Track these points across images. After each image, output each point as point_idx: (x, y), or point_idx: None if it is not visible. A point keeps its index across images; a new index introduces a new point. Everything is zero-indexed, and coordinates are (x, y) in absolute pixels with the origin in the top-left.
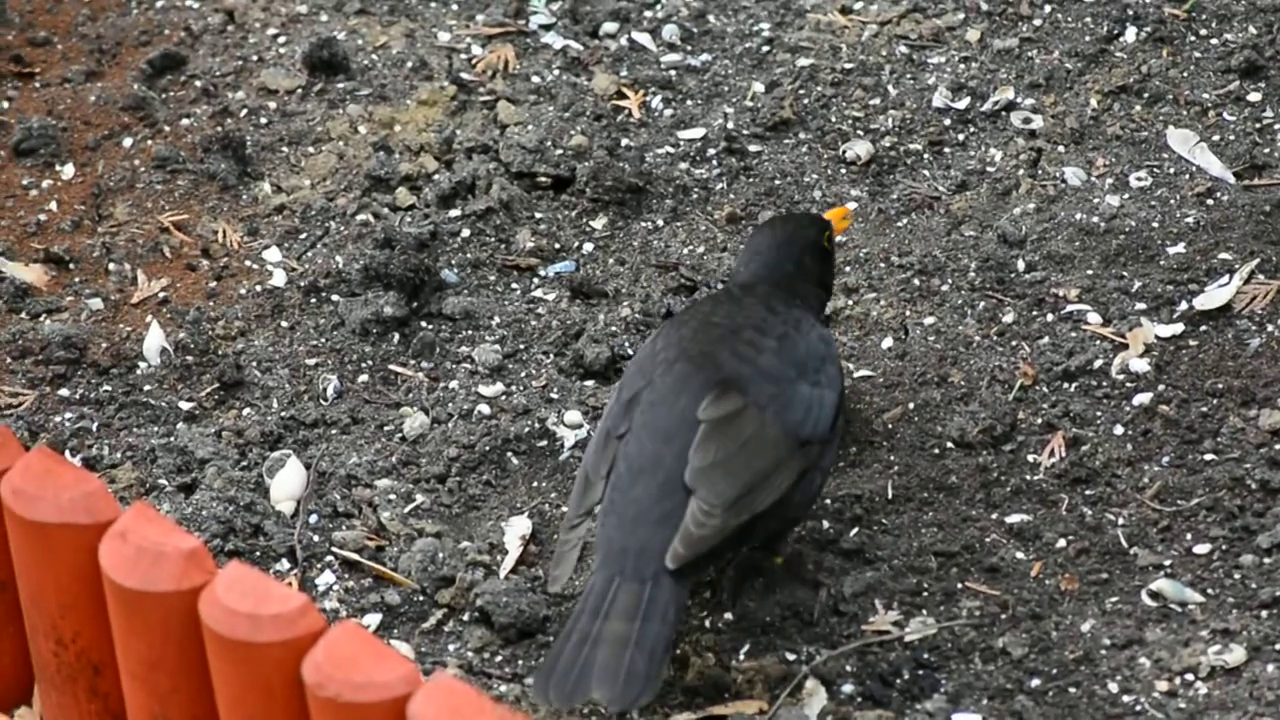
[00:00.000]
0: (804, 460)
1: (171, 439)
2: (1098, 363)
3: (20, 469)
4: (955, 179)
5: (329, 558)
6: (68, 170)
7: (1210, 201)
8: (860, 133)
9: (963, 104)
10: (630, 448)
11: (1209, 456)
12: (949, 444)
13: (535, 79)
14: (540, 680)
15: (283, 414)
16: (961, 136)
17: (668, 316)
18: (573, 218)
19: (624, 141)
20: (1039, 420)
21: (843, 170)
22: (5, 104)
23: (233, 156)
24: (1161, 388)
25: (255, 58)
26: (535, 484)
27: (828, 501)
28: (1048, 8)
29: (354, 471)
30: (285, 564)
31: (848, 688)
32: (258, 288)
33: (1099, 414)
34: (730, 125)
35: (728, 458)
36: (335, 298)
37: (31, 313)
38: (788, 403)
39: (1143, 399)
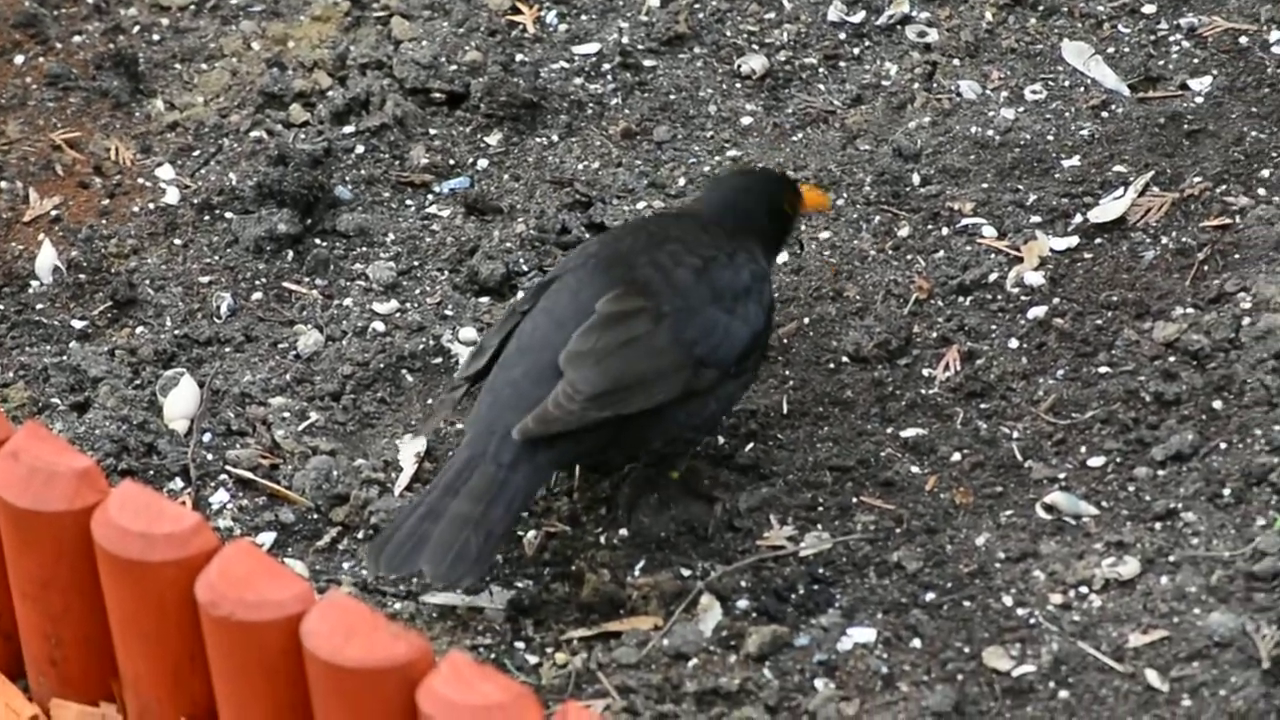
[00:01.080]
0: (695, 382)
1: (64, 358)
2: (992, 276)
3: None
4: (850, 93)
5: (223, 476)
6: None
7: (1105, 114)
8: (755, 47)
9: (858, 18)
10: (525, 326)
11: (1103, 370)
12: (844, 359)
13: None
14: (374, 548)
15: (176, 332)
16: (856, 50)
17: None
18: (467, 134)
19: (519, 57)
20: (934, 334)
21: (738, 85)
22: None
23: (125, 74)
24: (1056, 301)
25: None
26: (430, 401)
27: (727, 420)
28: None
29: (248, 390)
30: (179, 483)
31: (742, 603)
32: (151, 205)
33: (994, 328)
34: (625, 40)
35: (606, 350)
36: (229, 215)
37: None
38: (689, 319)
39: (1037, 312)
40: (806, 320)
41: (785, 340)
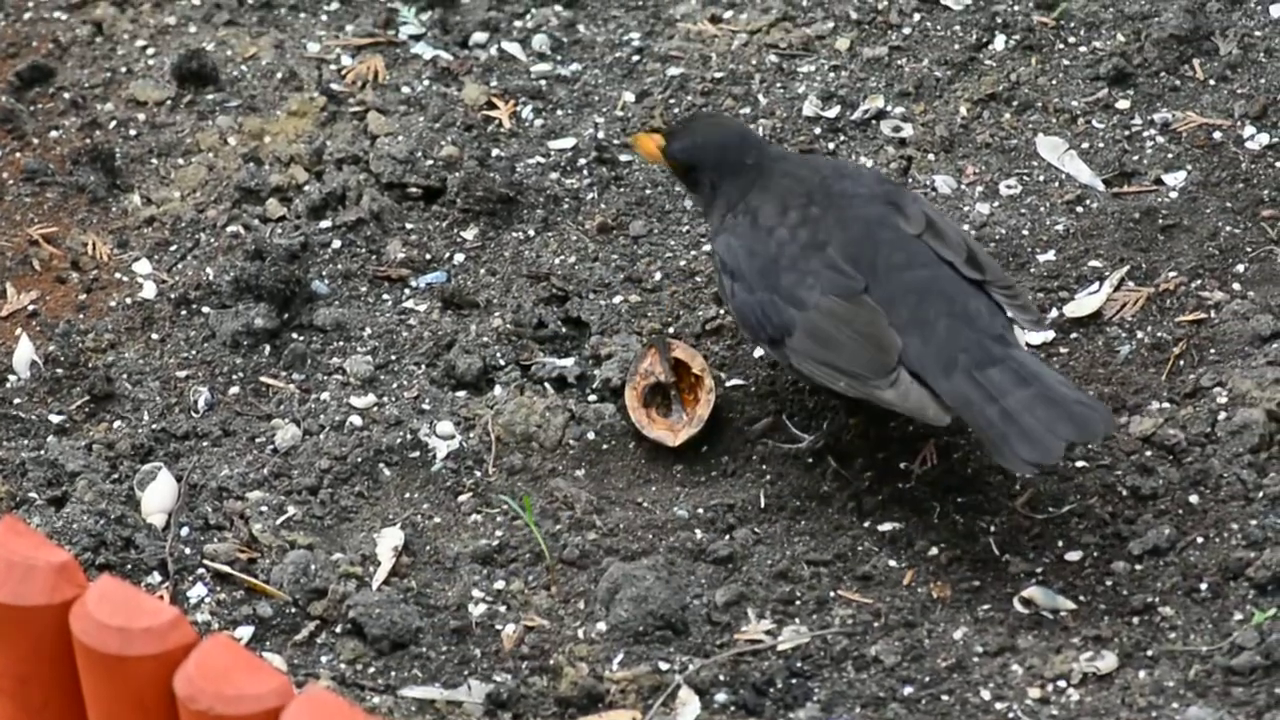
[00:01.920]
0: None
1: (42, 452)
2: None
3: None
4: None
5: (201, 570)
6: None
7: (1080, 209)
8: None
9: (833, 113)
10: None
11: (1080, 464)
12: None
13: (405, 89)
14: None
15: (154, 426)
16: (832, 145)
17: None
18: (443, 228)
19: (495, 152)
20: (911, 428)
21: None
22: None
23: (102, 168)
24: None
25: (124, 69)
26: (407, 495)
27: (700, 510)
28: (917, 16)
29: (225, 484)
30: (157, 577)
31: (721, 696)
32: (128, 300)
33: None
34: (601, 135)
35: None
36: (206, 309)
37: None
38: None
39: None
40: (784, 414)
41: (763, 434)
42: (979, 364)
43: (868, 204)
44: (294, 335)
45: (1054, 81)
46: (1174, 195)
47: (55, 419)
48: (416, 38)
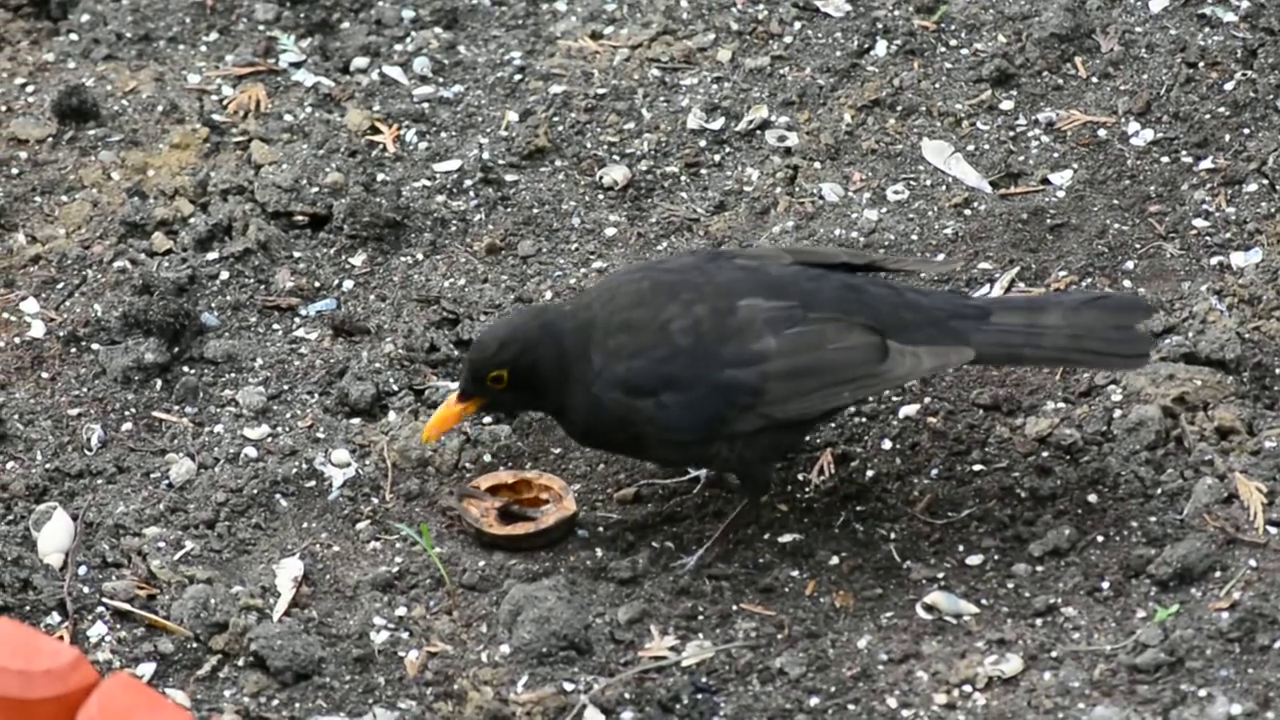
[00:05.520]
0: None
1: None
2: None
3: None
4: (713, 200)
5: (100, 609)
6: None
7: (968, 212)
8: (616, 157)
9: (717, 124)
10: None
11: (977, 467)
12: None
13: (288, 117)
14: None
15: (47, 465)
16: (717, 157)
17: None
18: (331, 255)
19: (380, 176)
20: (808, 438)
21: (600, 196)
22: None
23: None
24: (927, 400)
25: (4, 108)
26: (305, 525)
27: (600, 529)
28: (797, 24)
29: (122, 521)
30: (56, 617)
31: (627, 715)
32: (16, 339)
33: (867, 429)
34: (486, 156)
35: None
36: (95, 346)
37: None
38: None
39: (909, 412)
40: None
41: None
42: (977, 316)
43: (712, 262)
44: (185, 369)
45: (937, 85)
46: (1061, 194)
47: None
48: (297, 65)
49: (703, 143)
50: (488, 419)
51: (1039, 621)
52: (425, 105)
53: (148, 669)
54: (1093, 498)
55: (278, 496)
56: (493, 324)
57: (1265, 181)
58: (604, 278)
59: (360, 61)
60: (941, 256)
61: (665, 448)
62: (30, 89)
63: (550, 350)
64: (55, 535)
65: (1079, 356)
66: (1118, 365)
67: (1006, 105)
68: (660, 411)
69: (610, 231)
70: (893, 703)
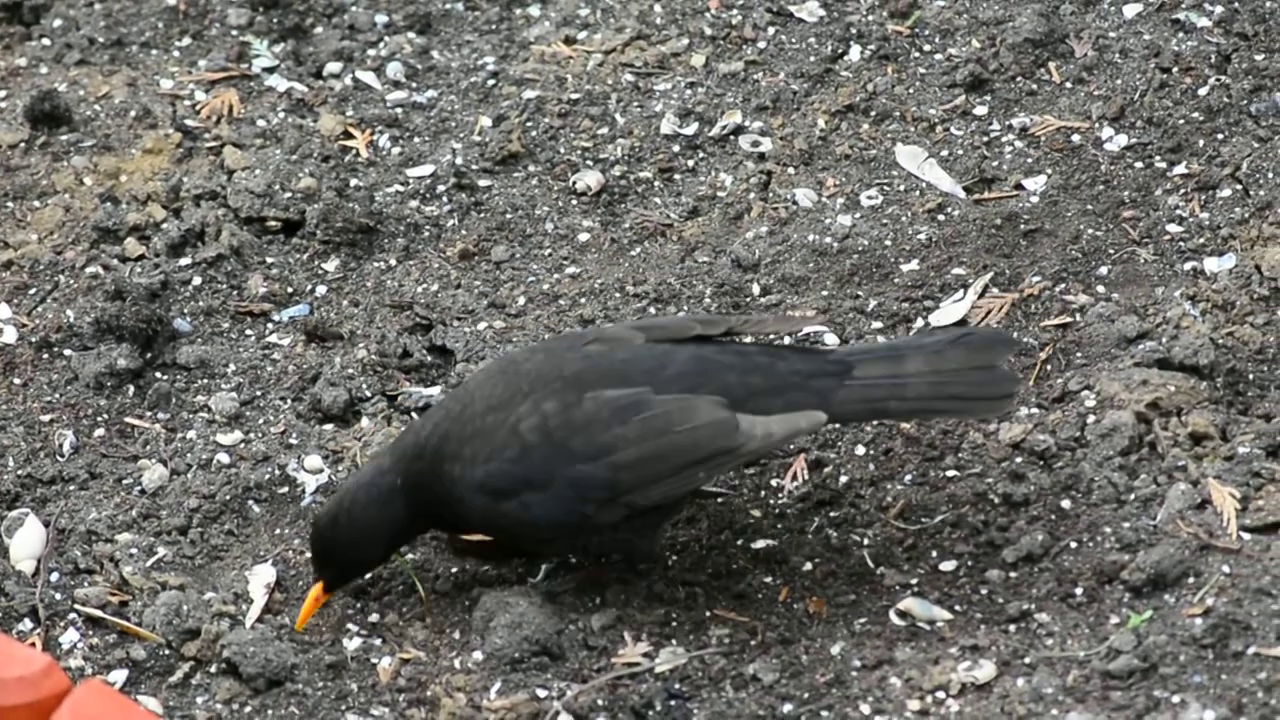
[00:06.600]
0: None
1: None
2: None
3: None
4: (687, 205)
5: (72, 615)
6: None
7: (941, 217)
8: (590, 163)
9: (691, 129)
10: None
11: (951, 473)
12: None
13: (261, 122)
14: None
15: (19, 472)
16: (691, 162)
17: None
18: (304, 261)
19: (353, 182)
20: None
21: (574, 201)
22: None
23: None
24: None
25: None
26: (278, 531)
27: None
28: (771, 30)
29: (94, 527)
30: (28, 624)
31: None
32: None
33: (840, 435)
34: (459, 161)
35: None
36: (68, 352)
37: None
38: None
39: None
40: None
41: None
42: (838, 373)
43: (567, 351)
44: (158, 374)
45: (911, 90)
46: (1035, 200)
47: None
48: (270, 70)
49: (676, 148)
50: None
51: (1012, 628)
52: (398, 110)
53: (120, 676)
54: (1066, 503)
55: (250, 503)
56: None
57: (1239, 187)
58: (463, 384)
59: (333, 66)
60: (800, 312)
61: (541, 543)
62: (2, 94)
63: (389, 508)
64: (27, 541)
65: (943, 405)
66: (982, 410)
67: (980, 110)
68: (524, 511)
69: (584, 237)
70: (866, 709)
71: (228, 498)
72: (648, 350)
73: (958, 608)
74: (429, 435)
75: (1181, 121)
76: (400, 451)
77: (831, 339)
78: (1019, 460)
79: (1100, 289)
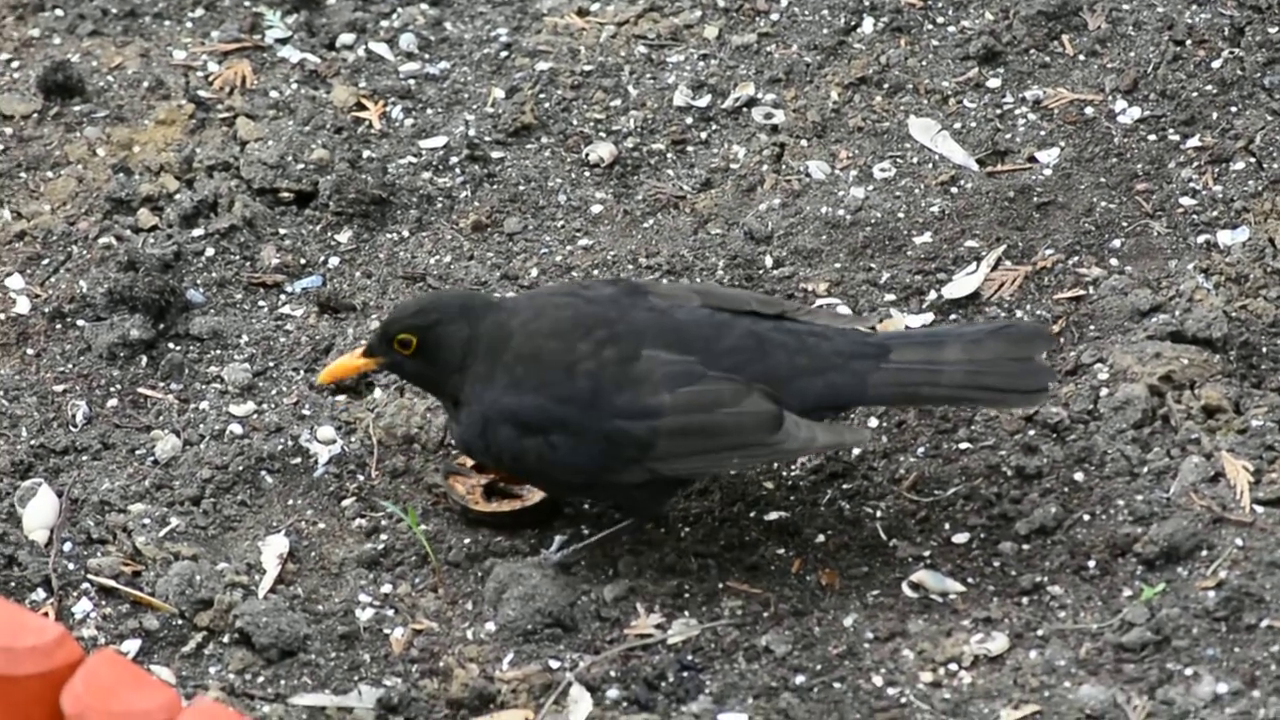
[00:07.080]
0: None
1: None
2: None
3: None
4: (699, 177)
5: (85, 585)
6: None
7: (954, 189)
8: (603, 134)
9: (704, 102)
10: None
11: (964, 445)
12: None
13: (274, 94)
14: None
15: (32, 442)
16: (704, 134)
17: None
18: (317, 232)
19: (366, 153)
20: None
21: (586, 173)
22: None
23: None
24: None
25: None
26: (291, 502)
27: (585, 506)
28: (784, 1)
29: (107, 497)
30: (41, 594)
31: (613, 692)
32: (1, 316)
33: (854, 408)
34: (472, 132)
35: None
36: (81, 323)
37: None
38: None
39: None
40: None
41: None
42: (875, 355)
43: (637, 304)
44: (170, 345)
45: (924, 62)
46: (1048, 173)
47: None
48: (283, 41)
49: (689, 120)
50: None
51: (1025, 600)
52: (411, 82)
53: (133, 645)
54: (1079, 476)
55: (263, 473)
56: (425, 297)
57: (1252, 160)
58: (536, 292)
59: (346, 38)
60: (849, 312)
61: (547, 481)
62: (15, 65)
63: (461, 334)
64: (40, 512)
65: (976, 394)
66: (1015, 402)
67: (993, 83)
68: (548, 450)
69: (596, 209)
70: (878, 681)
71: (240, 468)
72: (707, 317)
73: (970, 580)
74: (505, 319)
75: (1195, 94)
76: (492, 308)
77: (845, 311)
78: (1032, 433)
79: (1113, 262)
